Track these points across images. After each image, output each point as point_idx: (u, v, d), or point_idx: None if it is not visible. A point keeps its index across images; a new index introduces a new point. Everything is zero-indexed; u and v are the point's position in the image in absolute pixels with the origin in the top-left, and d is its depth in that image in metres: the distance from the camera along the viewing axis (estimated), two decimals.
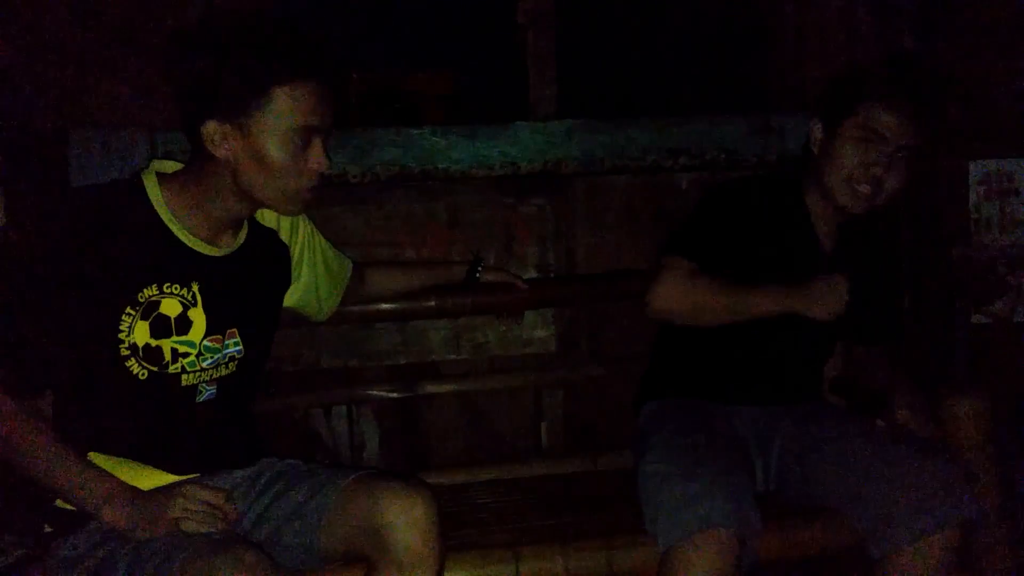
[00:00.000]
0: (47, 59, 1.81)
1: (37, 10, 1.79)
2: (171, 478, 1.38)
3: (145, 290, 1.33)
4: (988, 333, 2.16)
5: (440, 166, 1.97)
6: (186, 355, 1.37)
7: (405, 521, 1.29)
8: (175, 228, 1.37)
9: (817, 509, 1.59)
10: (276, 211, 1.43)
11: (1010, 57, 2.10)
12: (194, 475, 1.40)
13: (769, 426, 1.71)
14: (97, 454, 1.35)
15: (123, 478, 1.34)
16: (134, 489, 1.30)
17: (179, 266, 1.37)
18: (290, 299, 1.61)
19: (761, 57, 2.29)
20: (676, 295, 1.62)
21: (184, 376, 1.38)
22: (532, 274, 2.10)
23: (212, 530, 1.25)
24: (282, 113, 1.31)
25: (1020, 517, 1.72)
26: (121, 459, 1.36)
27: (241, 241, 1.46)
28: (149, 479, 1.36)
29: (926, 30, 2.08)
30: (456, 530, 1.58)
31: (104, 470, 1.31)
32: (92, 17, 1.82)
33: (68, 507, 1.33)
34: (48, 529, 1.36)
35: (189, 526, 1.24)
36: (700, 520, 1.40)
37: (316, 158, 1.35)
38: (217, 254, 1.41)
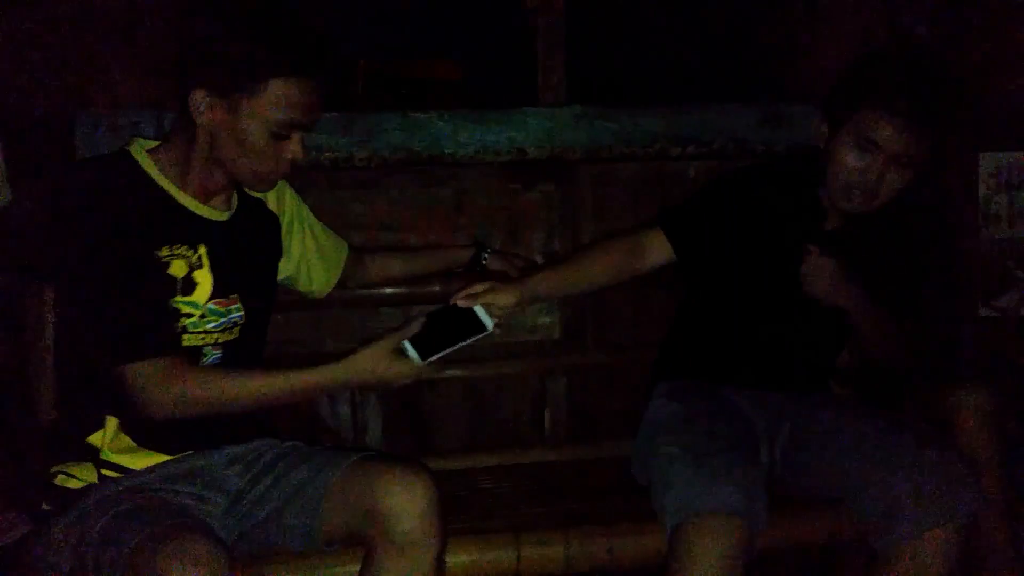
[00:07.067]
0: (53, 39, 1.81)
1: None
2: (162, 458, 1.38)
3: (157, 252, 1.34)
4: (995, 326, 2.15)
5: (446, 151, 1.96)
6: (189, 316, 1.37)
7: (405, 505, 1.28)
8: (175, 192, 1.38)
9: (821, 500, 1.59)
10: (245, 186, 1.44)
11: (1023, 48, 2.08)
12: (187, 452, 1.41)
13: (776, 412, 1.70)
14: (95, 434, 1.35)
15: (117, 459, 1.36)
16: (348, 359, 1.37)
17: (186, 228, 1.38)
18: (281, 272, 1.61)
19: (773, 45, 2.27)
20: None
21: (186, 336, 1.38)
22: (538, 260, 2.09)
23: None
24: (272, 104, 1.31)
25: None
26: (118, 435, 1.36)
27: (234, 208, 1.47)
28: (145, 459, 1.37)
29: (939, 19, 2.06)
30: (458, 515, 1.58)
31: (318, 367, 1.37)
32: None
33: (66, 485, 1.35)
34: (46, 507, 1.36)
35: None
36: (713, 503, 1.40)
37: (293, 148, 1.37)
38: (218, 218, 1.42)
